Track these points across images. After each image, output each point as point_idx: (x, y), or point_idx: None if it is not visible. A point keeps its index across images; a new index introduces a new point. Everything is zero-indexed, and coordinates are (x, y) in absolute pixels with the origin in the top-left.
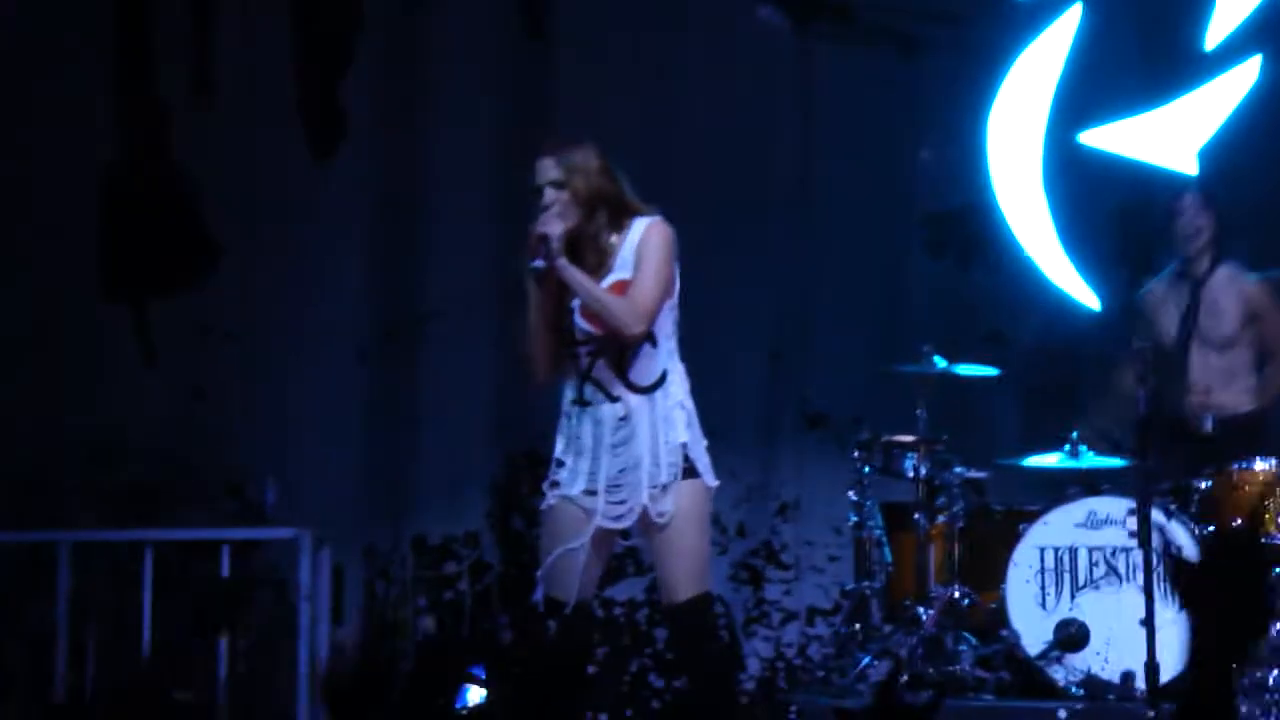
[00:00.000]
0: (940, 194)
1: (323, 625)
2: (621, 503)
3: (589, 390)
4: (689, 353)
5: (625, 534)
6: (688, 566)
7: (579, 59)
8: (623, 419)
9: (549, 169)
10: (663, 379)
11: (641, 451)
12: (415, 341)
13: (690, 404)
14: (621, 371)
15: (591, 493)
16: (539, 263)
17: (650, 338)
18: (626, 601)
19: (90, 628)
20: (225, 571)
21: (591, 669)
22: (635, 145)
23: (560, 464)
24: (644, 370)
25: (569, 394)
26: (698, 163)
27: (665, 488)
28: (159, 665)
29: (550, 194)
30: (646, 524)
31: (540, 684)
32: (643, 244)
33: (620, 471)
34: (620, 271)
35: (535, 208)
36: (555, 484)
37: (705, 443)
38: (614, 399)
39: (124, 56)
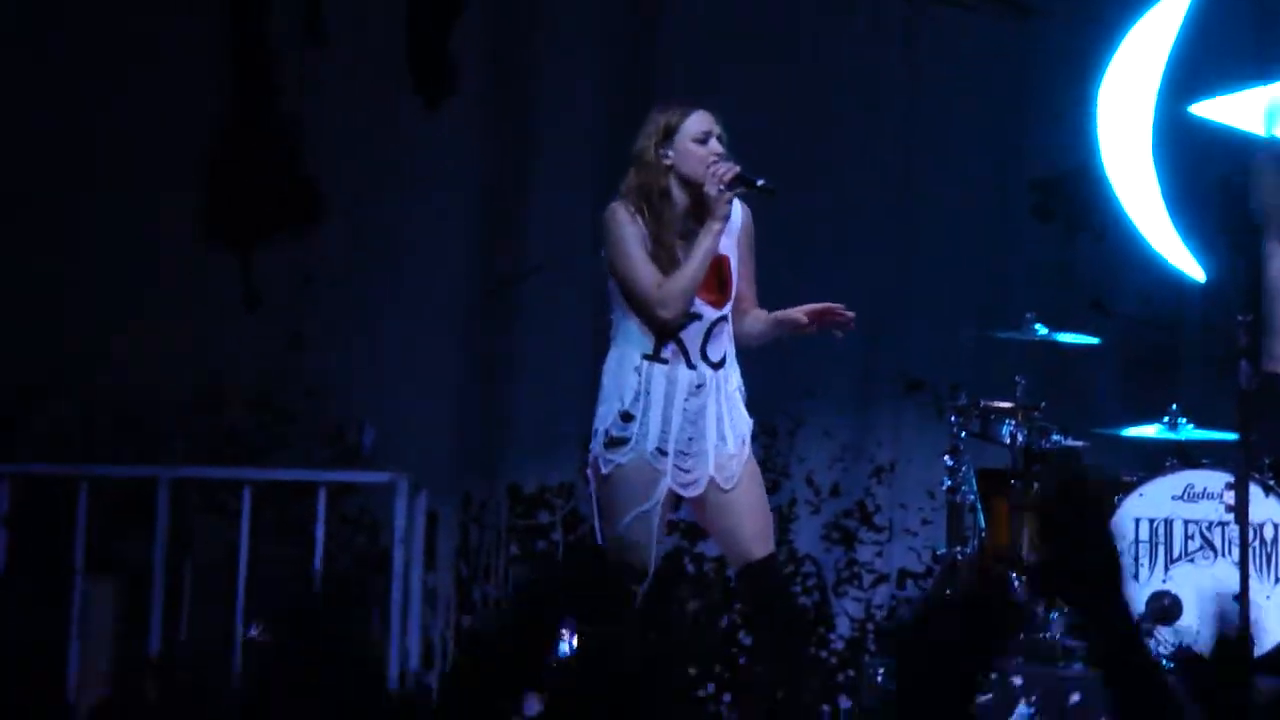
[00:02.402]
0: (1049, 159)
1: (416, 569)
2: (689, 470)
3: (670, 349)
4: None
5: (676, 506)
6: (762, 525)
7: (688, 20)
8: (698, 386)
9: (715, 123)
10: (724, 359)
11: (709, 423)
12: (515, 293)
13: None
14: (703, 342)
15: (662, 452)
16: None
17: (726, 318)
18: (716, 558)
19: (187, 566)
20: (322, 511)
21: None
22: (743, 107)
23: (629, 418)
24: (718, 347)
25: (640, 349)
26: (804, 126)
27: (733, 457)
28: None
29: (716, 144)
30: (707, 493)
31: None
32: (745, 233)
33: (689, 439)
34: (723, 248)
35: (702, 163)
36: (623, 440)
37: None
38: (691, 366)
39: (234, 3)
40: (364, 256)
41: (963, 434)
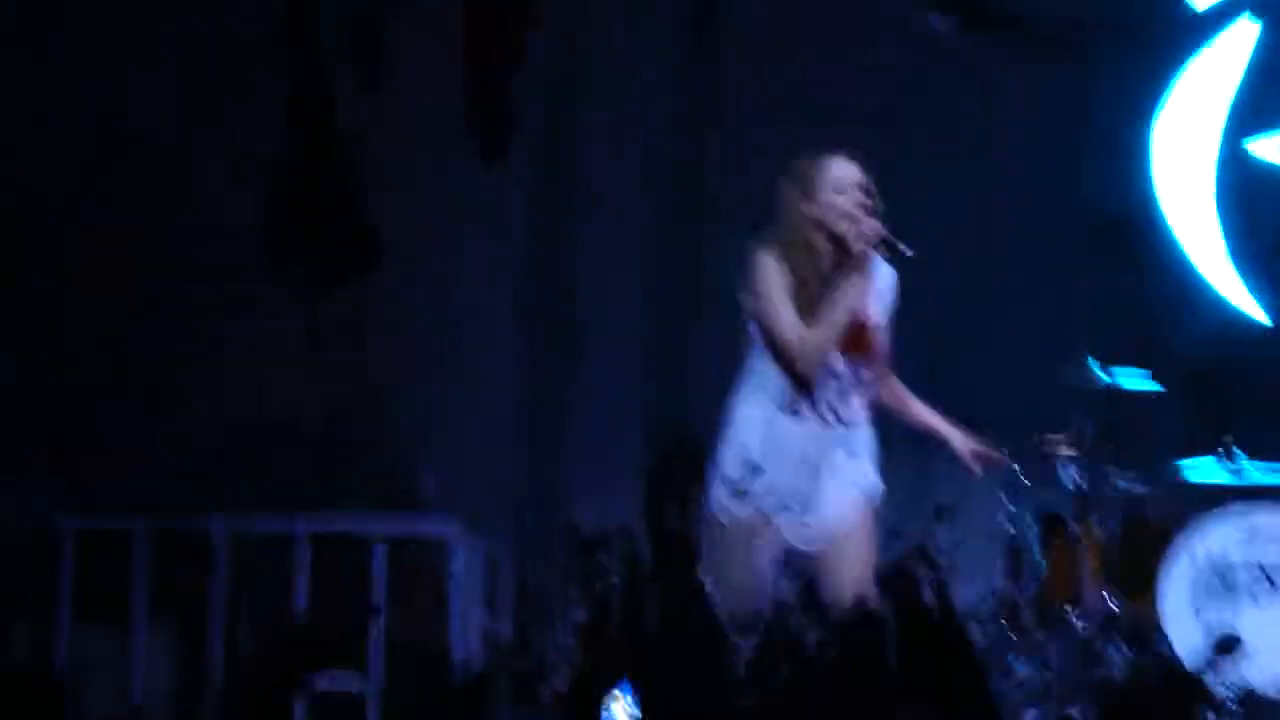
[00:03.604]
0: (1109, 202)
1: (474, 613)
2: (810, 526)
3: (805, 403)
4: None
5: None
6: (858, 574)
7: (744, 67)
8: (828, 444)
9: (859, 171)
10: (858, 420)
11: (833, 479)
12: (573, 335)
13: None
14: (843, 399)
15: (787, 509)
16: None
17: (861, 381)
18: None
19: (245, 611)
20: (380, 562)
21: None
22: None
23: (757, 470)
24: (851, 406)
25: (774, 399)
26: (876, 164)
27: (850, 515)
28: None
29: (858, 194)
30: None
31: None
32: (892, 300)
33: (812, 495)
34: (873, 311)
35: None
36: (745, 492)
37: None
38: (827, 423)
39: (297, 50)
40: (424, 298)
41: (1023, 477)
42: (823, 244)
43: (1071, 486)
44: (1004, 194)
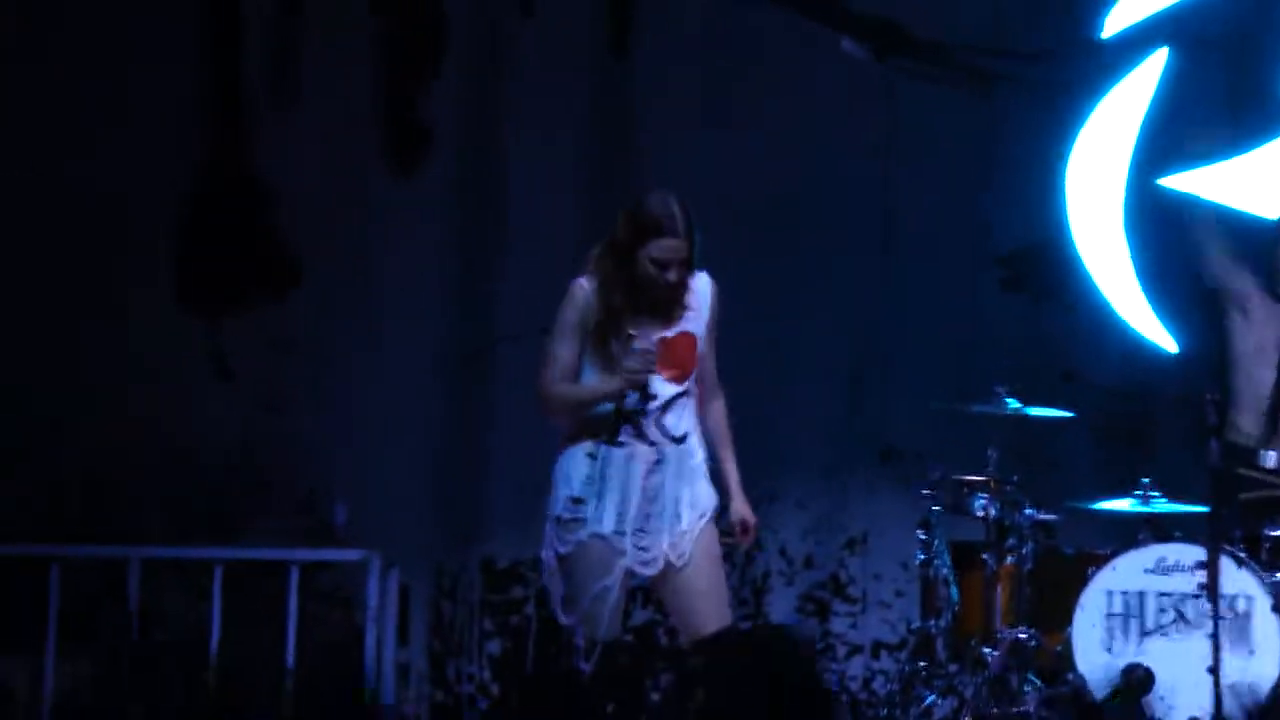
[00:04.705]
0: (1018, 231)
1: (388, 645)
2: (647, 549)
3: (626, 433)
4: (764, 384)
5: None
6: (716, 600)
7: (660, 82)
8: (657, 463)
9: (675, 250)
10: (687, 434)
11: (667, 499)
12: (490, 362)
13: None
14: (660, 418)
15: (620, 533)
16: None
17: (686, 392)
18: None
19: (159, 640)
20: (294, 590)
21: (656, 697)
22: (714, 175)
23: (579, 501)
24: (677, 421)
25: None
26: (777, 195)
27: (686, 534)
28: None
29: (675, 273)
30: (664, 570)
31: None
32: (712, 313)
33: (647, 517)
34: (688, 324)
35: (635, 282)
36: (576, 520)
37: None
38: (650, 443)
39: (206, 65)
40: (338, 323)
41: (935, 507)
42: (627, 291)
43: (983, 517)
44: (918, 226)
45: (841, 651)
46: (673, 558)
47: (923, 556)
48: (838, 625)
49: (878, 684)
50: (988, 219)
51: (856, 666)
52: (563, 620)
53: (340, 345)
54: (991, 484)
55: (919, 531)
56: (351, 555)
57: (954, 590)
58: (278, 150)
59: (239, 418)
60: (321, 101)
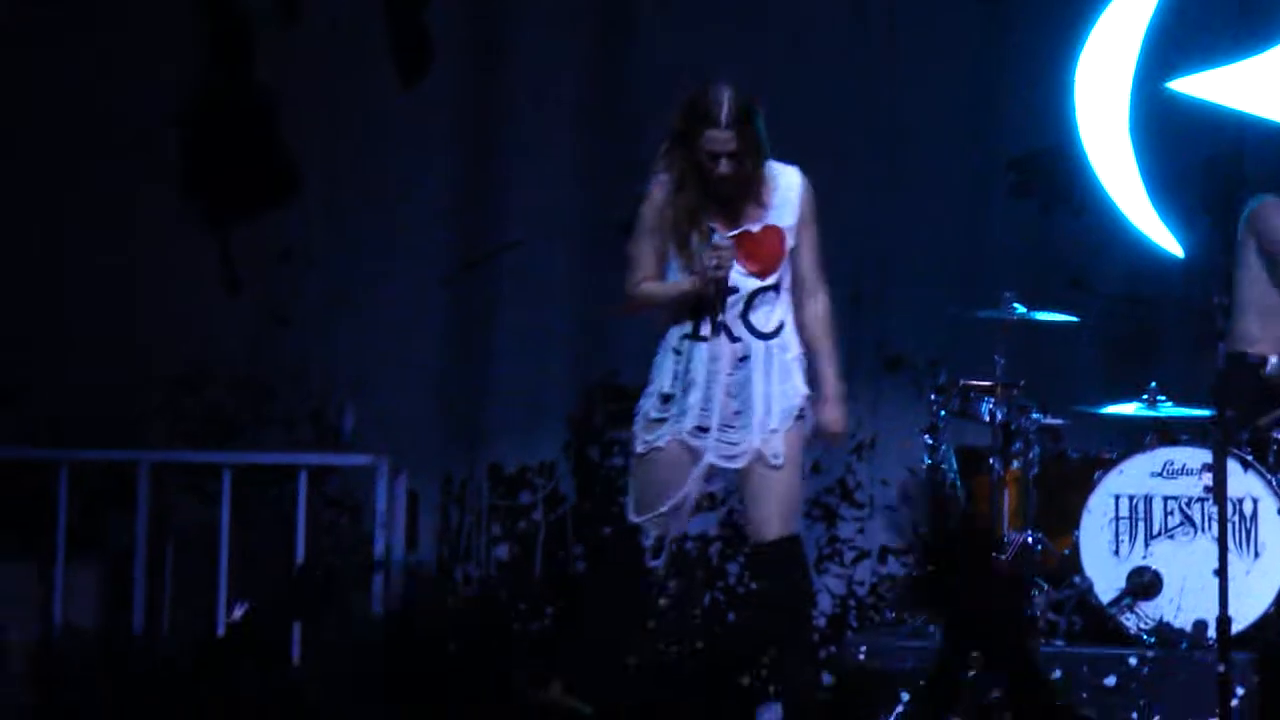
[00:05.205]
0: (1026, 137)
1: (397, 551)
2: (735, 444)
3: (706, 327)
4: None
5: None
6: (785, 508)
7: None
8: (742, 359)
9: (722, 141)
10: (780, 328)
11: (756, 395)
12: (495, 270)
13: (804, 356)
14: (745, 314)
15: (703, 429)
16: (718, 270)
17: (775, 287)
18: (699, 535)
19: (168, 547)
20: (303, 494)
21: (664, 601)
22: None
23: (668, 399)
24: (765, 317)
25: (679, 328)
26: (781, 102)
27: (777, 432)
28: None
29: (726, 165)
30: (749, 464)
31: (612, 614)
32: (806, 205)
33: (735, 414)
34: (775, 218)
35: (704, 174)
36: (661, 420)
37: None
38: (735, 339)
39: None
40: (343, 233)
41: (942, 412)
42: (705, 176)
43: (990, 421)
44: (924, 133)
45: (849, 556)
46: (766, 454)
47: (929, 461)
48: (845, 530)
49: (885, 589)
50: (995, 125)
51: (864, 571)
52: (631, 518)
53: (346, 254)
54: (998, 389)
55: (925, 436)
56: (360, 460)
57: (961, 494)
58: (281, 61)
59: (245, 327)
60: (325, 10)
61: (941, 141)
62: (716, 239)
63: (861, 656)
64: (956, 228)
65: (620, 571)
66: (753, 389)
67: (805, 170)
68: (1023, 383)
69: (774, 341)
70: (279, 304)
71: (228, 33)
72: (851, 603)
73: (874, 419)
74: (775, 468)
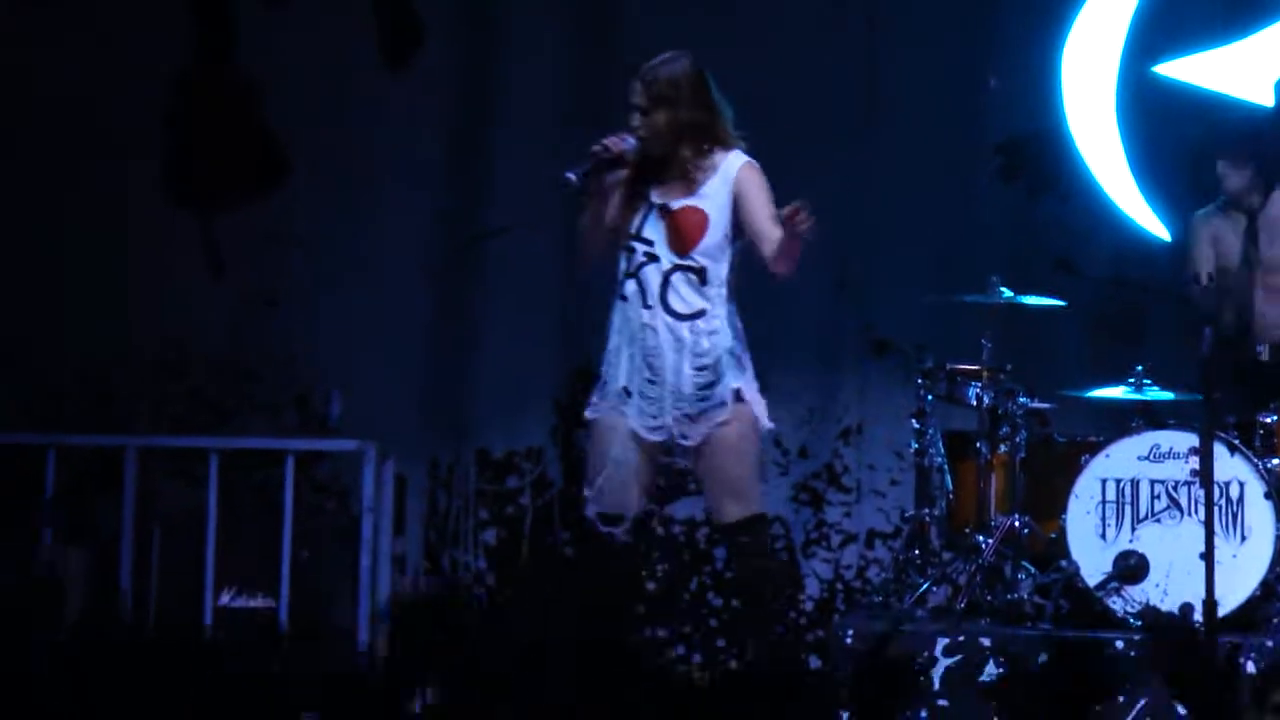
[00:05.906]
0: (1012, 120)
1: (384, 537)
2: (654, 417)
3: (630, 286)
4: (755, 276)
5: (668, 451)
6: (730, 492)
7: None
8: (650, 328)
9: (635, 93)
10: (700, 314)
11: (666, 368)
12: (482, 255)
13: (741, 350)
14: (664, 287)
15: (627, 392)
16: (571, 175)
17: (699, 272)
18: (686, 520)
19: (155, 534)
20: (289, 479)
21: (650, 585)
22: (707, 61)
23: (608, 366)
24: (683, 299)
25: (618, 289)
26: (765, 84)
27: (693, 418)
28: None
29: (634, 118)
30: (693, 451)
31: (599, 598)
32: (739, 181)
33: (649, 381)
34: (700, 200)
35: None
36: (601, 382)
37: (757, 385)
38: (647, 306)
39: None
40: (329, 218)
41: (929, 396)
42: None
43: (977, 406)
44: (910, 116)
45: (835, 540)
46: (676, 435)
47: (916, 446)
48: (832, 514)
49: (872, 573)
50: (981, 109)
51: (851, 555)
52: (586, 493)
53: (333, 239)
54: (985, 373)
55: (913, 421)
56: (347, 445)
57: (948, 479)
58: (268, 44)
59: (231, 311)
60: None
61: (927, 125)
62: (612, 140)
63: (849, 640)
64: (943, 212)
65: (592, 551)
66: (664, 361)
67: (790, 155)
68: (1009, 367)
69: (687, 324)
70: (265, 288)
71: (212, 15)
72: (839, 587)
73: (861, 404)
74: (702, 453)
